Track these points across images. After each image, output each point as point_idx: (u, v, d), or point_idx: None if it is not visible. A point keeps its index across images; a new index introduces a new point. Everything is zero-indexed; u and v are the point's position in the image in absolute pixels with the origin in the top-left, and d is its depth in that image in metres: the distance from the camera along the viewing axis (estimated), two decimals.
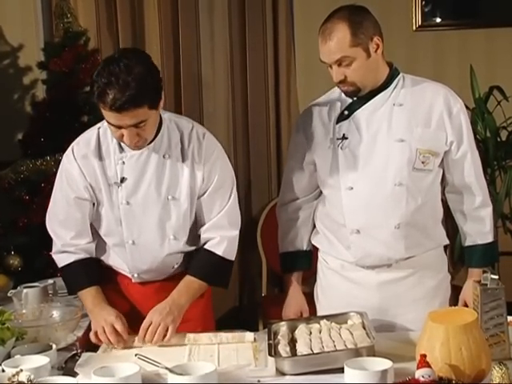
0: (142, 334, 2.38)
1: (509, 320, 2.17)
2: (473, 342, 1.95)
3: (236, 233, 2.57)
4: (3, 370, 2.06)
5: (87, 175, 2.48)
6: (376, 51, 2.44)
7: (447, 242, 2.64)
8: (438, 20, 4.66)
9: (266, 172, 4.55)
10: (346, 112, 2.53)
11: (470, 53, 4.54)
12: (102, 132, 2.51)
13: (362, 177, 2.49)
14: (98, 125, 2.54)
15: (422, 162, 2.46)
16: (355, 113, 2.51)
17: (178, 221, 2.51)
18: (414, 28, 4.59)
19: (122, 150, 2.47)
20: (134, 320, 2.45)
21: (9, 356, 2.19)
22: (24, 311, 2.56)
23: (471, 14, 4.66)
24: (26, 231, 3.89)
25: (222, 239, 2.54)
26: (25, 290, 2.72)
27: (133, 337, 2.40)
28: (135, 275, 2.58)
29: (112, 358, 2.29)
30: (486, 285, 2.14)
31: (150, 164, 2.47)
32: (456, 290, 2.68)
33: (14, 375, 1.94)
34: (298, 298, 2.70)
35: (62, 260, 2.57)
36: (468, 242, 2.61)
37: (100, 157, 2.48)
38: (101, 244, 2.59)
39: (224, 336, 2.40)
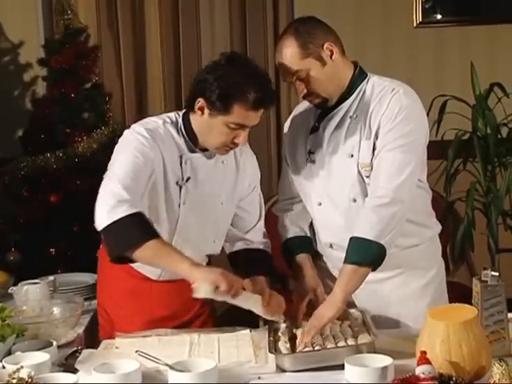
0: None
1: (509, 317, 2.18)
2: (473, 339, 1.95)
3: None
4: (4, 367, 2.06)
5: (157, 165, 2.36)
6: (331, 57, 2.38)
7: (430, 235, 2.55)
8: (439, 17, 4.64)
9: (267, 169, 4.53)
10: (316, 124, 2.50)
11: (470, 49, 4.53)
12: (169, 129, 2.41)
13: (326, 193, 2.48)
14: (159, 120, 2.43)
15: (367, 177, 2.39)
16: (320, 125, 2.49)
17: (222, 225, 2.53)
18: (415, 25, 4.58)
19: (191, 150, 2.42)
20: (156, 318, 2.47)
21: (9, 353, 2.18)
22: (24, 308, 2.56)
23: (472, 10, 4.65)
24: (27, 228, 3.90)
25: (266, 238, 2.62)
26: (25, 287, 2.72)
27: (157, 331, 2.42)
28: (163, 273, 2.52)
29: (112, 354, 2.28)
30: (487, 281, 2.14)
31: (212, 168, 2.45)
32: (455, 287, 2.68)
33: (14, 372, 1.94)
34: (308, 277, 2.52)
35: (115, 213, 2.18)
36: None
37: (166, 152, 2.38)
38: None
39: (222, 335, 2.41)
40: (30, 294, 2.69)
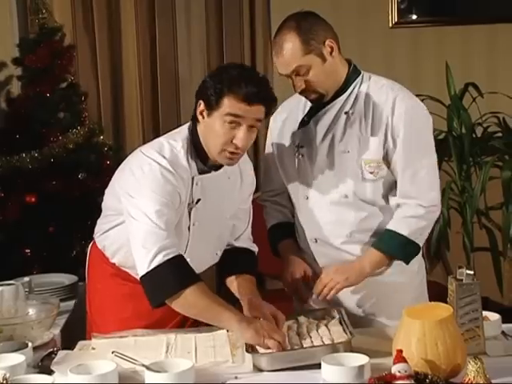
0: None
1: (484, 315, 2.19)
2: (448, 337, 1.96)
3: None
4: None
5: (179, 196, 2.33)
6: (331, 54, 2.40)
7: None
8: (414, 17, 4.68)
9: None
10: (305, 118, 2.51)
11: (445, 50, 4.57)
12: (185, 152, 2.34)
13: (314, 187, 2.49)
14: (177, 144, 2.35)
15: (371, 173, 2.42)
16: (312, 120, 2.49)
17: (225, 238, 2.53)
18: (391, 25, 4.61)
19: (202, 171, 2.36)
20: (156, 320, 2.46)
21: None
22: None
23: (447, 11, 4.69)
24: (1, 228, 3.86)
25: (252, 243, 2.61)
26: (0, 288, 2.69)
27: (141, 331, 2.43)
28: None
29: (89, 355, 2.27)
30: (462, 280, 2.15)
31: (218, 185, 2.41)
32: (431, 286, 2.70)
33: None
34: (296, 260, 2.57)
35: (155, 261, 2.22)
36: None
37: (183, 180, 2.33)
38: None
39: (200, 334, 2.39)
40: (5, 296, 2.67)
